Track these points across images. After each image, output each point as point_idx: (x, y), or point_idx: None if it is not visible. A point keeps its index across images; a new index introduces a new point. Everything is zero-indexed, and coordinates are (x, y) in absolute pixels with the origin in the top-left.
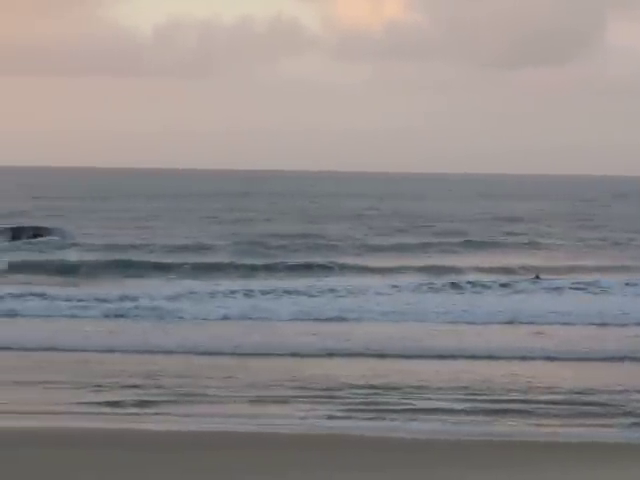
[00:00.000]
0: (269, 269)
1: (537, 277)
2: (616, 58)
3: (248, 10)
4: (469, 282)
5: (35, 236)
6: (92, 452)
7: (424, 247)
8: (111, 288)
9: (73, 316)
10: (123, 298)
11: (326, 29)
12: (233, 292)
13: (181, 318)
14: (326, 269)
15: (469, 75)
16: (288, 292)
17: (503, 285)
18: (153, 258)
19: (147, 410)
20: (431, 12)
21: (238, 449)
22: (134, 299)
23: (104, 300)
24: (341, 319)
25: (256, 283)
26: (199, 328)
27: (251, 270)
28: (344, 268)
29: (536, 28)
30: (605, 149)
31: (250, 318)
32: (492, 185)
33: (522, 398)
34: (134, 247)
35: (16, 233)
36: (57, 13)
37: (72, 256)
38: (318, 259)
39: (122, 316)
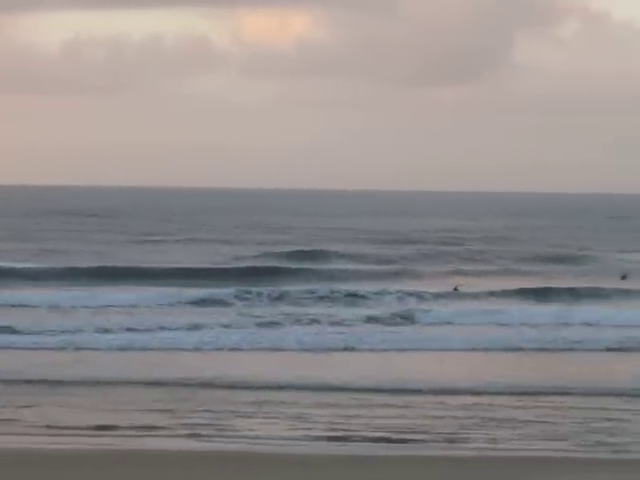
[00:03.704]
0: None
1: (456, 289)
2: (524, 76)
3: (157, 27)
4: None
5: None
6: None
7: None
8: None
9: None
10: None
11: (235, 46)
12: None
13: None
14: None
15: (378, 93)
16: None
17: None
18: None
19: None
20: (340, 29)
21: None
22: None
23: None
24: None
25: None
26: None
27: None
28: None
29: (445, 47)
30: (513, 167)
31: None
32: (389, 201)
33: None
34: None
35: None
36: None
37: None
38: None
39: None
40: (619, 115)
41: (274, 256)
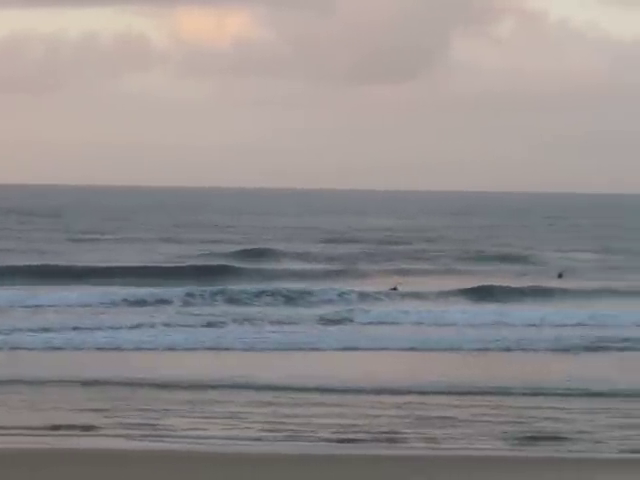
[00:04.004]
0: None
1: (395, 288)
2: (461, 75)
3: (95, 25)
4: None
5: None
6: None
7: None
8: None
9: None
10: None
11: (173, 44)
12: None
13: None
14: None
15: (315, 92)
16: None
17: None
18: None
19: None
20: (277, 28)
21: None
22: None
23: None
24: None
25: None
26: None
27: None
28: None
29: (383, 45)
30: (451, 165)
31: None
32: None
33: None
34: None
35: None
36: None
37: None
38: None
39: None
40: (554, 114)
41: (216, 255)
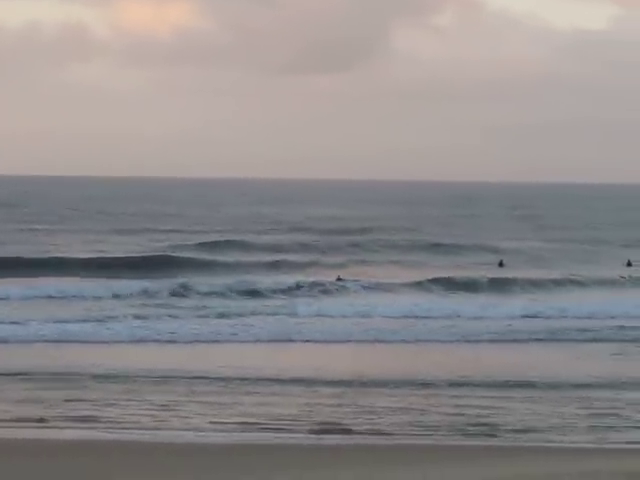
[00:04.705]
0: None
1: (339, 279)
2: (401, 64)
3: (35, 14)
4: None
5: None
6: None
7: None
8: None
9: None
10: None
11: (114, 34)
12: None
13: None
14: None
15: (255, 81)
16: None
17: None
18: None
19: None
20: (217, 18)
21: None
22: None
23: None
24: None
25: None
26: None
27: None
28: None
29: (323, 36)
30: (392, 154)
31: None
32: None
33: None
34: None
35: None
36: None
37: None
38: None
39: None
40: (493, 102)
41: (161, 247)
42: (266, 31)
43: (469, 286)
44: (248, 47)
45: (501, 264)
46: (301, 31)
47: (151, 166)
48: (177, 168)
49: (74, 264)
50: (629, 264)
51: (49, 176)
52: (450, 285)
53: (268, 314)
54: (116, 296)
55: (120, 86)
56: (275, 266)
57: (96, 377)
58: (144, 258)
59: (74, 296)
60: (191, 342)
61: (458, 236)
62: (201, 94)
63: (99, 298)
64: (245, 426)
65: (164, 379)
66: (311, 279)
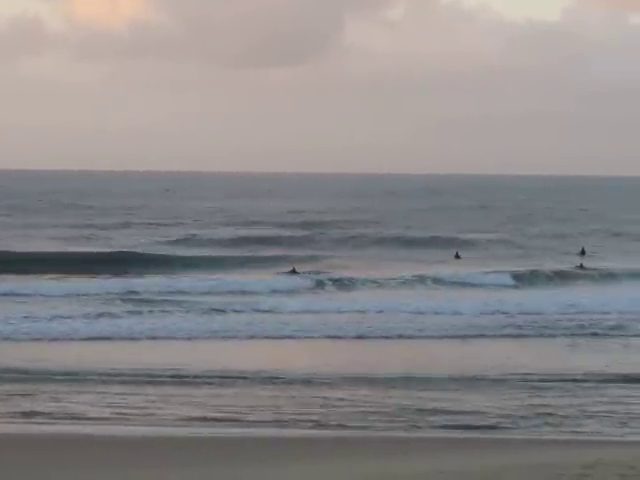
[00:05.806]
0: None
1: (294, 271)
2: (354, 58)
3: None
4: None
5: None
6: None
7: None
8: None
9: None
10: None
11: (67, 28)
12: None
13: None
14: None
15: (211, 75)
16: None
17: None
18: None
19: None
20: (171, 11)
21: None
22: None
23: None
24: None
25: None
26: None
27: None
28: None
29: (277, 29)
30: (347, 148)
31: None
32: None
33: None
34: None
35: None
36: None
37: None
38: None
39: None
40: (447, 96)
41: (118, 244)
42: (221, 24)
43: (425, 280)
44: (204, 40)
45: (457, 256)
46: (256, 24)
47: (109, 160)
48: (135, 162)
49: (29, 260)
50: (583, 252)
51: (1, 170)
52: (409, 280)
53: (236, 311)
54: (72, 294)
55: (76, 80)
56: (240, 262)
57: (48, 373)
58: (99, 254)
59: (28, 294)
60: (150, 338)
61: (417, 229)
62: (158, 87)
63: (51, 296)
64: (207, 421)
65: (121, 375)
66: (270, 273)
